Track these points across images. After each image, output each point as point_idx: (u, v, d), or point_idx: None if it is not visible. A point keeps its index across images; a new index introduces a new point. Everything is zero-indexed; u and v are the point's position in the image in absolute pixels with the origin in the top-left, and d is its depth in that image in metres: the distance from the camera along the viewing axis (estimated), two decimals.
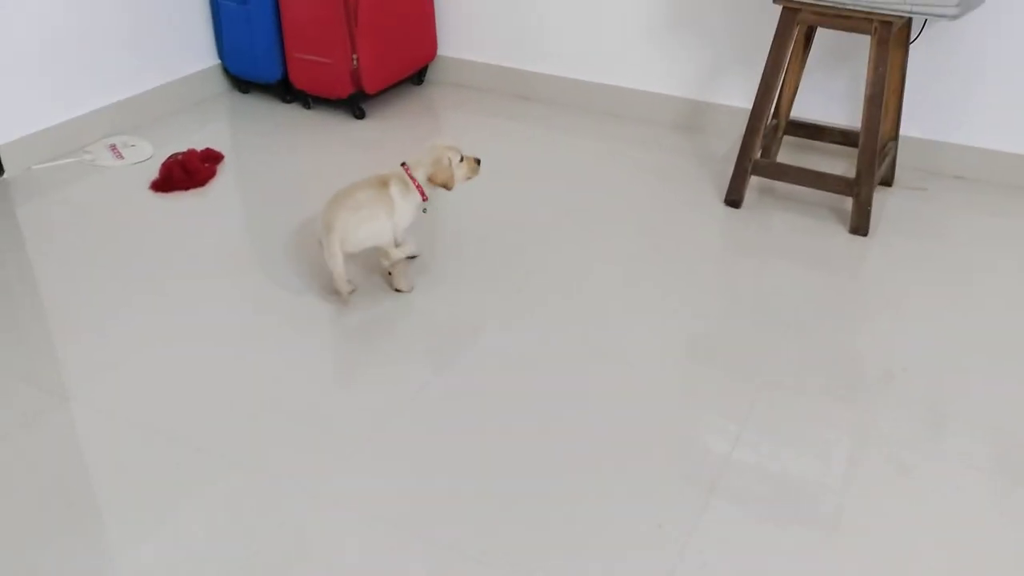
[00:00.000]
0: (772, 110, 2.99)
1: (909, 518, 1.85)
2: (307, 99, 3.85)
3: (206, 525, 1.84)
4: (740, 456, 2.00)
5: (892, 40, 2.68)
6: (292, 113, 3.82)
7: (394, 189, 2.46)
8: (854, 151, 2.86)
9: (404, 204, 2.48)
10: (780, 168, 3.01)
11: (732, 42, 3.45)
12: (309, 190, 3.15)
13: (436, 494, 1.91)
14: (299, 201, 3.06)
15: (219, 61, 3.95)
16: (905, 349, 2.35)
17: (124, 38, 3.55)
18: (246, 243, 2.88)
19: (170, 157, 3.28)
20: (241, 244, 2.87)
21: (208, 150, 3.36)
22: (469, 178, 2.56)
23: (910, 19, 2.83)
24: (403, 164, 2.50)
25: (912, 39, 2.94)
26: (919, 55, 3.10)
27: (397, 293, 2.56)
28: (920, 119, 3.22)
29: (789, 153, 3.33)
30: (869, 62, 2.71)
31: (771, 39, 2.84)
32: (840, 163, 3.25)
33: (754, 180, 3.09)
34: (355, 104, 3.74)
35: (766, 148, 3.12)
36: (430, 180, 2.47)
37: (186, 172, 3.19)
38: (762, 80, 2.89)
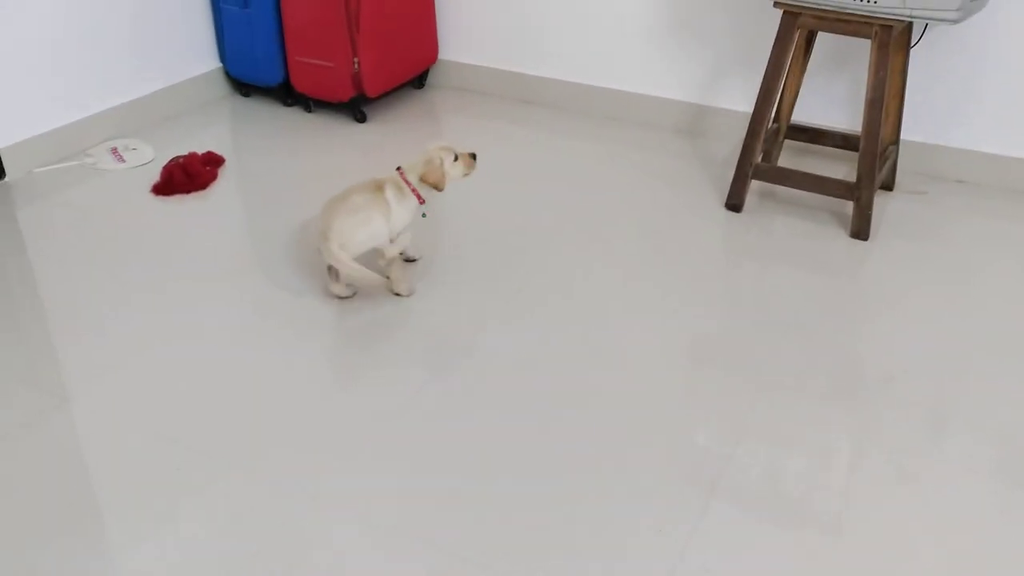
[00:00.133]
0: (773, 114, 3.00)
1: (909, 520, 1.85)
2: (308, 102, 3.85)
3: (206, 526, 1.84)
4: (740, 457, 2.00)
5: (893, 44, 2.68)
6: (293, 116, 3.82)
7: (389, 192, 2.47)
8: (855, 155, 2.86)
9: (399, 207, 2.48)
10: (781, 172, 3.01)
11: (733, 46, 3.45)
12: (310, 193, 3.15)
13: (436, 495, 1.91)
14: (300, 204, 3.06)
15: (220, 64, 3.96)
16: (905, 352, 2.34)
17: (125, 42, 3.56)
18: (247, 246, 2.88)
19: (171, 160, 3.28)
20: (242, 247, 2.87)
21: (209, 153, 3.36)
22: (467, 174, 2.56)
23: (911, 23, 2.83)
24: (398, 168, 2.51)
25: (913, 43, 2.94)
26: (920, 59, 3.10)
27: (398, 294, 2.57)
28: (921, 123, 3.22)
29: (790, 157, 3.33)
30: (870, 66, 2.71)
31: (772, 43, 2.85)
32: (841, 167, 3.25)
33: (755, 184, 3.10)
34: (356, 108, 3.75)
35: (767, 152, 3.13)
36: (422, 180, 2.48)
37: (187, 175, 3.20)
38: (763, 84, 2.89)
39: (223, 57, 3.92)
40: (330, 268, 2.50)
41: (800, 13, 2.75)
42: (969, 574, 1.74)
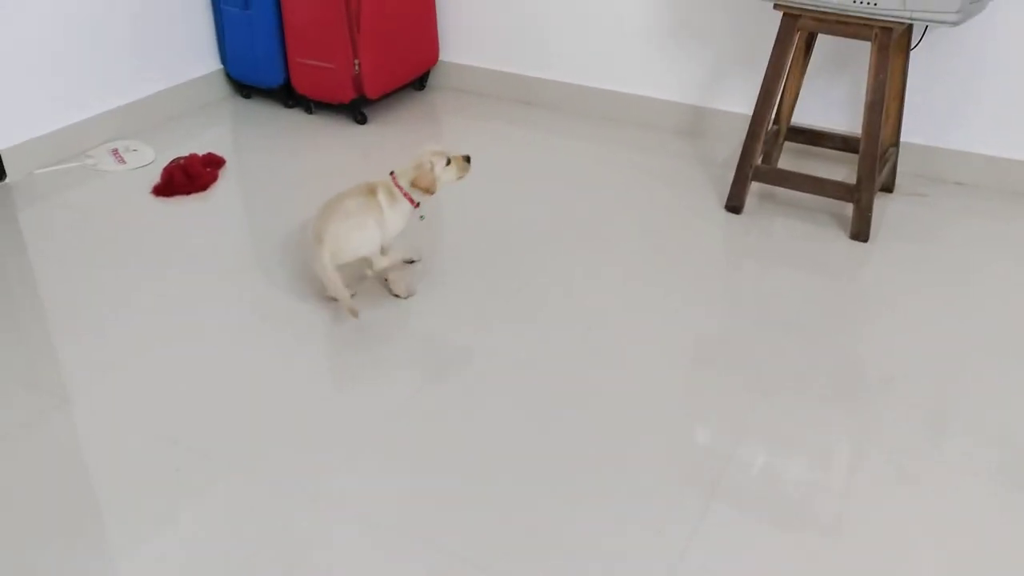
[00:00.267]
0: (773, 116, 3.00)
1: (909, 521, 1.85)
2: (309, 104, 3.85)
3: (206, 526, 1.84)
4: (740, 458, 2.00)
5: (892, 46, 2.68)
6: (294, 118, 3.82)
7: (381, 197, 2.46)
8: (855, 157, 2.87)
9: (392, 212, 2.48)
10: (781, 174, 3.02)
11: (733, 48, 3.46)
12: (310, 195, 3.14)
13: (436, 495, 1.91)
14: (300, 206, 3.06)
15: (221, 66, 3.97)
16: (905, 353, 2.35)
17: (126, 43, 3.56)
18: (247, 247, 2.88)
19: (172, 161, 3.28)
20: (242, 248, 2.87)
21: (210, 155, 3.37)
22: (460, 177, 2.54)
23: (911, 25, 2.83)
24: (391, 173, 2.50)
25: (913, 46, 2.94)
26: (920, 61, 3.10)
27: (397, 296, 2.57)
28: (921, 125, 3.22)
29: (790, 159, 3.33)
30: (870, 68, 2.72)
31: (772, 45, 2.85)
32: (841, 169, 3.26)
33: (755, 186, 3.10)
34: (357, 109, 3.75)
35: (767, 154, 3.13)
36: (413, 185, 2.46)
37: (188, 176, 3.20)
38: (763, 86, 2.89)
39: (224, 58, 3.93)
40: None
41: (800, 15, 2.76)
42: (969, 574, 1.73)
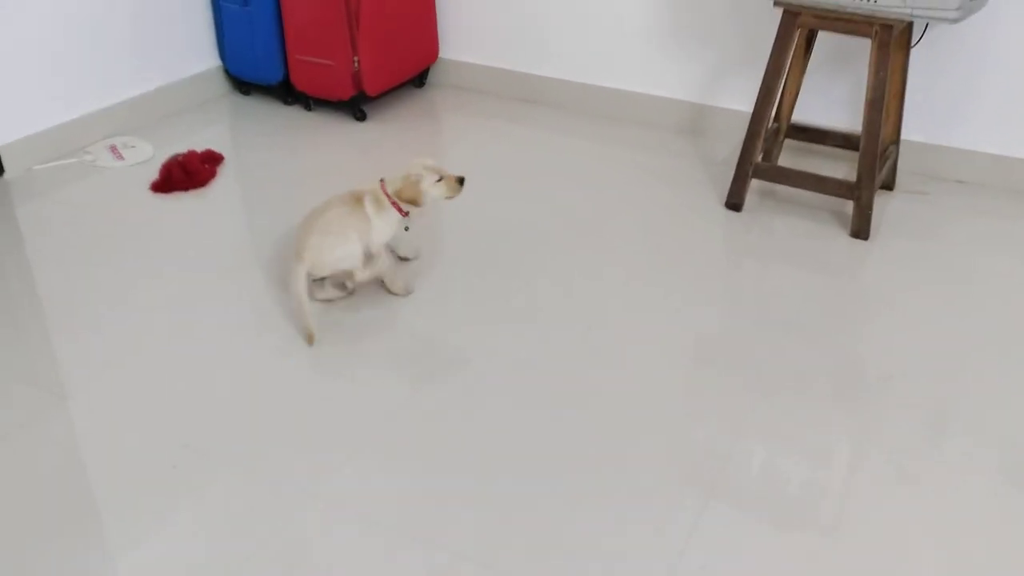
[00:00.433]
0: (773, 114, 2.99)
1: (909, 521, 1.85)
2: (308, 101, 3.85)
3: (205, 526, 1.83)
4: (740, 458, 2.00)
5: (893, 44, 2.68)
6: (293, 115, 3.82)
7: (368, 205, 2.43)
8: (855, 155, 2.86)
9: (379, 220, 2.45)
10: (781, 172, 3.01)
11: (733, 45, 3.45)
12: (309, 192, 3.14)
13: (435, 494, 1.91)
14: (299, 203, 3.03)
15: (220, 63, 3.96)
16: (906, 352, 2.34)
17: (125, 39, 3.55)
18: (245, 244, 2.87)
19: (170, 158, 3.28)
20: (240, 245, 2.87)
21: (208, 151, 3.36)
22: (450, 197, 2.48)
23: (911, 23, 2.83)
24: (381, 180, 2.47)
25: (913, 43, 2.94)
26: (920, 58, 3.10)
27: (395, 295, 2.56)
28: (921, 123, 3.22)
29: (790, 157, 3.33)
30: (870, 66, 2.71)
31: (772, 42, 2.84)
32: (841, 167, 3.25)
33: (755, 183, 3.09)
34: (356, 106, 3.74)
35: (767, 152, 3.12)
36: (397, 195, 2.43)
37: (186, 173, 3.19)
38: (763, 83, 2.89)
39: (223, 55, 3.92)
40: (315, 279, 2.50)
41: (800, 12, 2.75)
42: (969, 574, 1.73)
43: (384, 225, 2.47)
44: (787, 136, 3.22)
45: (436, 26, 3.98)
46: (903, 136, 3.17)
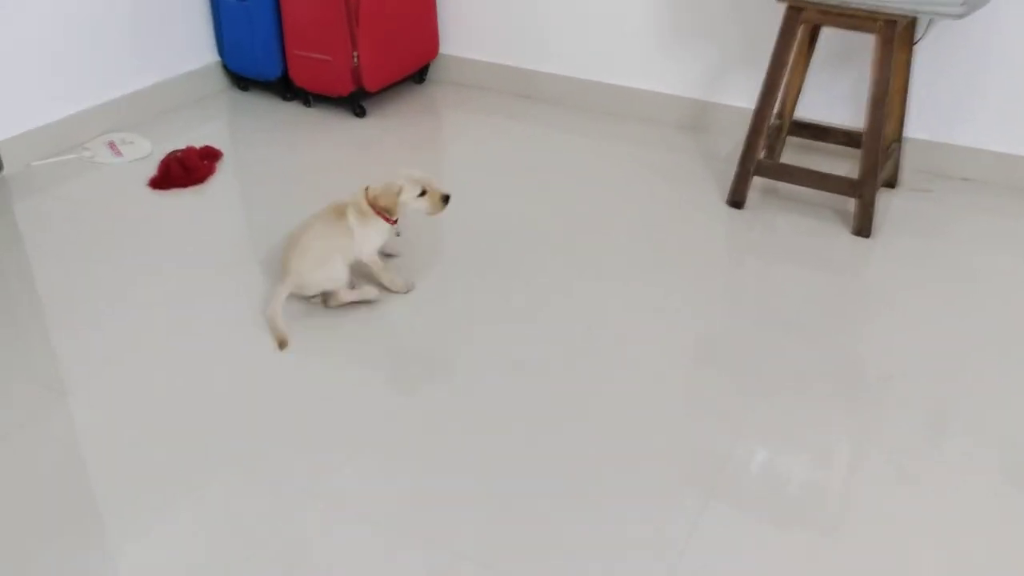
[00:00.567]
0: (776, 110, 2.98)
1: (909, 521, 1.84)
2: (307, 97, 3.83)
3: (204, 525, 1.82)
4: (740, 457, 1.99)
5: (897, 40, 2.67)
6: (292, 111, 3.80)
7: (351, 217, 2.41)
8: (858, 152, 2.85)
9: (365, 231, 2.43)
10: (783, 169, 3.00)
11: (736, 42, 3.44)
12: (308, 188, 3.14)
13: (435, 494, 1.90)
14: (298, 199, 3.04)
15: (219, 58, 3.94)
16: (907, 351, 2.33)
17: (124, 35, 3.54)
18: (244, 240, 2.86)
19: (169, 154, 3.27)
20: (239, 241, 2.85)
21: (207, 147, 3.35)
22: (432, 214, 2.45)
23: (915, 19, 2.82)
24: (366, 188, 2.44)
25: (917, 39, 2.92)
26: (924, 55, 3.08)
27: (397, 293, 2.55)
28: (925, 120, 3.20)
29: (792, 154, 3.32)
30: (873, 62, 2.70)
31: (775, 39, 2.83)
32: (844, 164, 3.24)
33: (757, 181, 3.08)
34: (356, 102, 3.73)
35: (770, 148, 3.11)
36: (372, 202, 2.40)
37: (185, 169, 3.18)
38: (766, 80, 2.87)
39: (221, 51, 3.90)
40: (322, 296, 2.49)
41: (804, 8, 2.74)
42: (969, 574, 1.72)
43: (372, 233, 2.45)
44: (789, 133, 3.21)
45: (436, 22, 3.97)
46: (906, 133, 3.15)
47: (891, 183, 3.14)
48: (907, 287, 2.60)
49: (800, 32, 2.82)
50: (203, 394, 2.18)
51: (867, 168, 2.78)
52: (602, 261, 2.73)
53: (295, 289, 2.41)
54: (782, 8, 2.78)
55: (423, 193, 2.41)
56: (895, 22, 2.63)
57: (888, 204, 3.03)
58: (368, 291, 2.50)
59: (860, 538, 1.79)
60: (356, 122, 3.69)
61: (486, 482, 1.93)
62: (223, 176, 3.25)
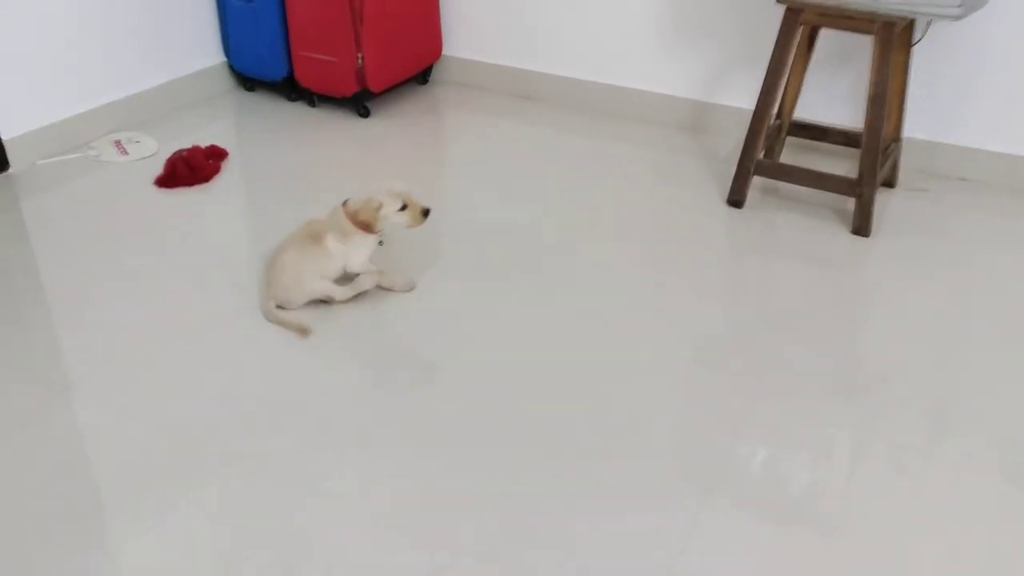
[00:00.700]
0: (775, 111, 2.99)
1: (909, 519, 1.85)
2: (312, 97, 3.85)
3: (205, 523, 1.84)
4: (740, 456, 2.00)
5: (895, 41, 2.68)
6: (297, 111, 3.82)
7: (330, 241, 2.42)
8: (857, 152, 2.86)
9: (349, 249, 2.44)
10: (783, 168, 3.01)
11: (735, 42, 3.45)
12: (313, 188, 3.16)
13: (435, 493, 1.91)
14: (303, 199, 3.07)
15: (225, 59, 3.96)
16: (906, 350, 2.34)
17: (130, 35, 3.56)
18: (249, 239, 2.88)
19: (174, 153, 3.28)
20: (244, 240, 2.88)
21: (212, 147, 3.37)
22: (411, 227, 2.46)
23: (913, 20, 2.83)
24: (344, 202, 2.45)
25: (915, 41, 2.93)
26: (922, 56, 3.10)
27: (396, 292, 2.57)
28: (923, 120, 3.22)
29: (792, 154, 3.33)
30: (872, 63, 2.71)
31: (774, 40, 2.84)
32: (843, 164, 3.25)
33: (756, 180, 3.10)
34: (360, 102, 3.75)
35: (769, 148, 3.13)
36: (351, 218, 2.40)
37: (190, 168, 3.20)
38: (765, 80, 2.89)
39: (227, 51, 3.92)
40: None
41: (802, 10, 2.75)
42: (969, 574, 1.74)
43: (357, 249, 2.46)
44: (789, 133, 3.22)
45: (440, 23, 3.98)
46: (905, 134, 3.17)
47: (889, 183, 3.16)
48: (906, 286, 2.62)
49: (799, 33, 2.83)
50: (204, 394, 2.20)
51: (866, 167, 2.80)
52: (602, 260, 2.74)
53: (281, 304, 2.44)
54: (781, 9, 2.80)
55: (404, 207, 2.42)
56: (893, 24, 2.64)
57: (886, 204, 3.05)
58: (362, 281, 2.50)
59: (860, 537, 1.80)
60: (360, 122, 3.71)
61: (486, 481, 1.94)
62: (228, 175, 3.27)
